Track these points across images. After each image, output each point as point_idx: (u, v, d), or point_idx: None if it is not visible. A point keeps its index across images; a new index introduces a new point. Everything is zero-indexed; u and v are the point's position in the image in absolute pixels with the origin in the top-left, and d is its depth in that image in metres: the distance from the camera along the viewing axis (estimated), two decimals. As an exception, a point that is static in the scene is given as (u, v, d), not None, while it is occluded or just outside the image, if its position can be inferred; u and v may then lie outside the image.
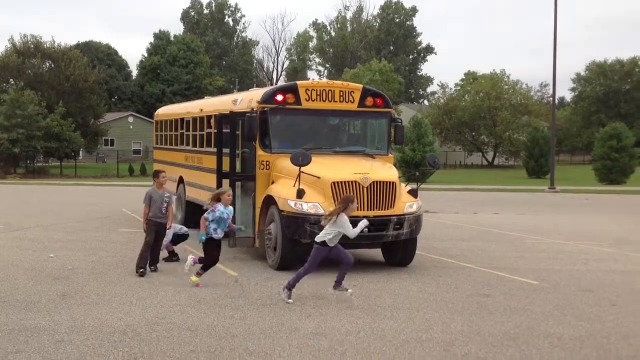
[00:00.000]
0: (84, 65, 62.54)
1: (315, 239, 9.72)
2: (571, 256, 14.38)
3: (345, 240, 11.79)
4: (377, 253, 13.30)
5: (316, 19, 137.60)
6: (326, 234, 9.57)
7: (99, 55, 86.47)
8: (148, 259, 11.56)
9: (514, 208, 26.51)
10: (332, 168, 12.11)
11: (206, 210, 10.80)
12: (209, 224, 10.54)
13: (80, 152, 61.91)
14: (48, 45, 64.25)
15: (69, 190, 34.03)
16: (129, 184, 40.11)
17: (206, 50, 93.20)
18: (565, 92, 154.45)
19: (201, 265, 10.67)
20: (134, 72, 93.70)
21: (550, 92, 53.47)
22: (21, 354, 7.06)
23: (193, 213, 17.56)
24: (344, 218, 9.55)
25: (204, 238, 10.56)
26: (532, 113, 73.48)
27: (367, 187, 11.67)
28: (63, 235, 16.30)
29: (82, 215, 20.78)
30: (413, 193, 12.65)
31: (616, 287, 11.03)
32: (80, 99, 60.48)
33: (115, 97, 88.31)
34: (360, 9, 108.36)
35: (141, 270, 11.34)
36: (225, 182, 13.12)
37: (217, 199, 10.67)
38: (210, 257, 10.68)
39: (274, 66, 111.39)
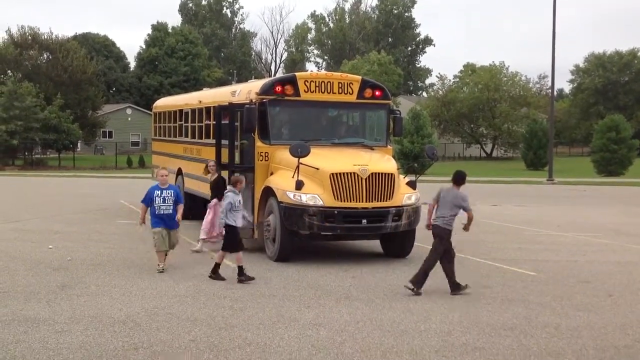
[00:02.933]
0: (81, 57, 62.40)
1: None
2: (569, 247, 14.42)
3: (343, 232, 11.89)
4: (375, 244, 13.33)
5: (314, 11, 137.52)
6: None
7: (97, 47, 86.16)
8: None
9: (512, 200, 26.54)
10: (331, 159, 12.12)
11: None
12: None
13: (79, 144, 61.82)
14: (46, 37, 64.12)
15: (68, 182, 34.02)
16: (128, 176, 40.10)
17: (204, 42, 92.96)
18: (564, 84, 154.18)
19: None
20: (132, 64, 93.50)
21: (549, 83, 53.43)
22: (21, 344, 7.09)
23: (192, 205, 17.58)
24: None
25: None
26: (531, 105, 73.47)
27: (365, 179, 11.69)
28: (62, 226, 16.32)
29: (80, 207, 20.80)
30: (412, 185, 12.68)
31: (614, 278, 11.08)
32: (78, 91, 60.36)
33: (113, 89, 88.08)
34: (358, 1, 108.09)
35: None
36: (225, 174, 13.15)
37: None
38: None
39: (272, 58, 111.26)
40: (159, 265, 11.02)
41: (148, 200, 11.18)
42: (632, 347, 7.37)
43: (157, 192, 11.12)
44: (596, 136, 47.18)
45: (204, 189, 15.71)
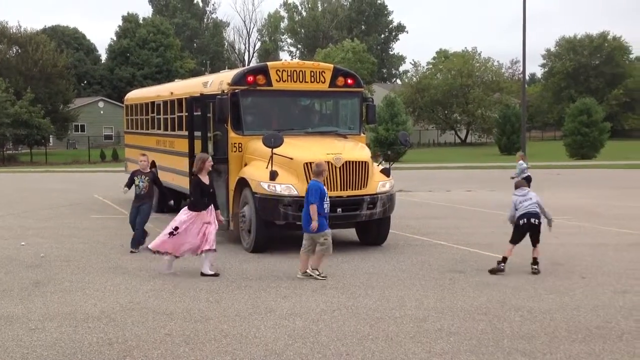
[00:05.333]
0: (51, 50, 61.44)
1: None
2: (542, 230, 14.55)
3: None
4: (351, 233, 13.37)
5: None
6: None
7: (66, 39, 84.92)
8: None
9: (486, 185, 26.77)
10: (304, 149, 12.11)
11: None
12: None
13: (51, 139, 61.01)
14: (14, 31, 63.03)
15: (40, 178, 33.60)
16: (101, 169, 39.74)
17: (176, 33, 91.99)
18: (535, 68, 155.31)
19: None
20: (103, 56, 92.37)
21: (521, 68, 53.87)
22: (-6, 343, 7.01)
23: (166, 197, 17.51)
24: None
25: None
26: (504, 90, 73.96)
27: (339, 168, 11.70)
28: (34, 222, 16.13)
29: (53, 203, 20.57)
30: (386, 172, 12.72)
31: (586, 260, 11.24)
32: (49, 85, 59.47)
33: (85, 82, 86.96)
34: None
35: None
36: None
37: None
38: None
39: (245, 48, 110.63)
40: (321, 274, 9.86)
41: (319, 198, 9.76)
42: (603, 328, 7.48)
43: (324, 188, 9.96)
44: (568, 120, 47.70)
45: (178, 182, 15.64)
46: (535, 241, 10.39)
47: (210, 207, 10.39)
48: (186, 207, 10.49)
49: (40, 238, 13.77)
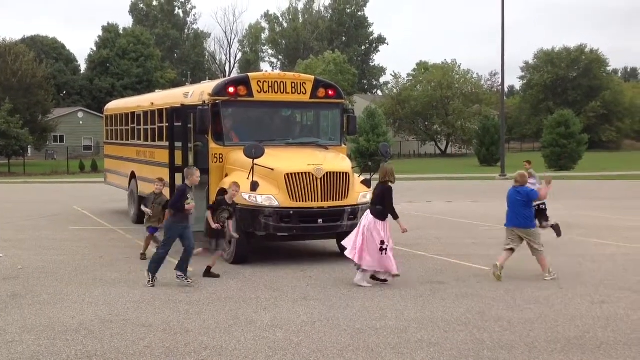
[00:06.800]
0: (31, 61, 60.94)
1: None
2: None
3: (299, 233, 11.90)
4: (332, 244, 13.37)
5: (268, 11, 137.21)
6: None
7: (46, 50, 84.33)
8: None
9: (466, 196, 26.94)
10: (285, 160, 12.12)
11: None
12: None
13: (29, 150, 60.40)
14: (-7, 41, 62.48)
15: (18, 189, 33.25)
16: (80, 180, 39.42)
17: (157, 43, 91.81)
18: (514, 80, 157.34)
19: None
20: (83, 67, 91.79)
21: (500, 80, 54.41)
22: (-30, 356, 6.91)
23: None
24: None
25: None
26: (483, 102, 74.67)
27: (320, 179, 11.71)
28: (12, 234, 15.94)
29: (31, 214, 20.35)
30: (367, 183, 12.76)
31: (563, 270, 11.32)
32: (27, 95, 58.85)
33: (64, 92, 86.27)
34: (311, 0, 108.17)
35: None
36: (179, 177, 13.01)
37: None
38: None
39: (226, 59, 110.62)
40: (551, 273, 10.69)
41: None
42: (582, 338, 7.55)
43: None
44: (546, 131, 48.23)
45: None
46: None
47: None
48: (373, 217, 10.26)
49: (18, 250, 13.61)
